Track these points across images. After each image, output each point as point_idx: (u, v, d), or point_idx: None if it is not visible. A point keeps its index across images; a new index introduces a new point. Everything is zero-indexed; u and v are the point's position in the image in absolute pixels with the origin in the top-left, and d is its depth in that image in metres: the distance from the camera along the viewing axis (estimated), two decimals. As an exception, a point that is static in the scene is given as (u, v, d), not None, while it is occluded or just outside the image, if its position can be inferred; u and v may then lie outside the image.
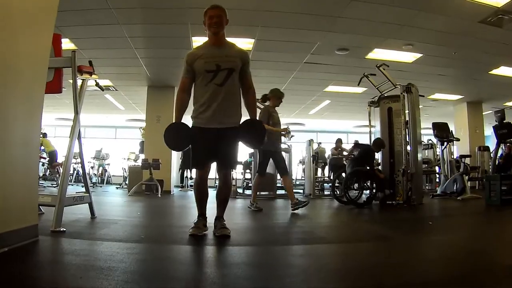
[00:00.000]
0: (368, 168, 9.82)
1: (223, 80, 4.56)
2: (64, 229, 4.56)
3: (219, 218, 4.73)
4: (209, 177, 4.81)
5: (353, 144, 14.59)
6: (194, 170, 4.93)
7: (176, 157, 16.83)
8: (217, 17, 4.68)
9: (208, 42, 4.82)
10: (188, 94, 4.78)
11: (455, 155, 14.43)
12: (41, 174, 16.12)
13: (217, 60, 4.57)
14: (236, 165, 5.14)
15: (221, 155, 4.65)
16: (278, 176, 10.42)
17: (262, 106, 8.25)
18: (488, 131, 19.04)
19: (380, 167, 10.12)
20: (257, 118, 5.08)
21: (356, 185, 10.08)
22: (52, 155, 14.28)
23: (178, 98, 4.78)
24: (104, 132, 26.13)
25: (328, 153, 17.85)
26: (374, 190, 9.43)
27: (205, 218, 4.75)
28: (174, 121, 4.74)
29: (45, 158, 14.68)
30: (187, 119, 4.75)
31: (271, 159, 8.10)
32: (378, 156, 10.55)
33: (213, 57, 4.59)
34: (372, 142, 10.68)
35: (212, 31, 4.67)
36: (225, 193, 4.86)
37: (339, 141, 15.94)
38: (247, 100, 4.90)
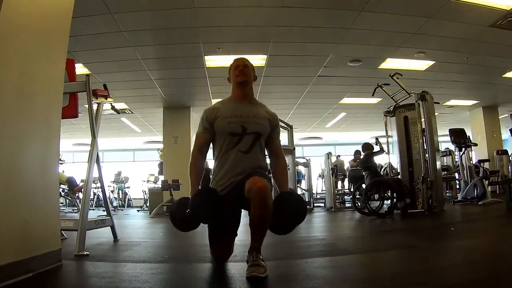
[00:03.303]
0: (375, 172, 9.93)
1: (249, 146, 3.82)
2: (88, 253, 4.58)
3: (254, 250, 3.41)
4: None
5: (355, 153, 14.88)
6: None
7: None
8: (244, 66, 3.98)
9: (231, 97, 4.08)
10: (204, 156, 4.03)
11: (474, 161, 14.33)
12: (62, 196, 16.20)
13: (244, 120, 3.83)
14: (270, 184, 3.57)
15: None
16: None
17: None
18: (505, 134, 18.88)
19: (399, 176, 10.08)
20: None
21: (376, 196, 10.05)
22: (70, 181, 14.33)
23: (193, 160, 3.95)
24: (122, 155, 26.29)
25: (347, 165, 17.82)
26: (394, 200, 9.39)
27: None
28: (194, 192, 3.80)
29: (64, 184, 14.74)
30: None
31: None
32: (396, 163, 10.54)
33: (238, 117, 3.84)
34: (362, 149, 11.19)
35: (239, 81, 3.94)
36: (261, 214, 3.37)
37: (357, 153, 15.89)
38: (277, 171, 4.05)
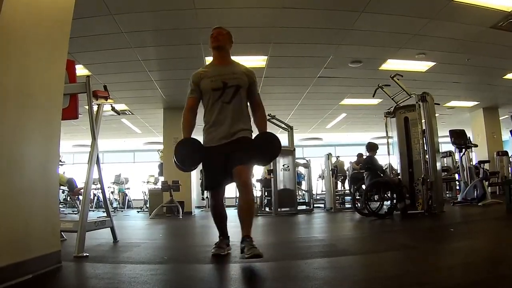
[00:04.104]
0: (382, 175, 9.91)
1: (231, 97, 4.37)
2: (87, 254, 4.58)
3: (246, 238, 3.91)
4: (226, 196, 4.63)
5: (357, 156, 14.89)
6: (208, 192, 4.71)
7: (195, 177, 16.82)
8: (218, 33, 4.55)
9: (213, 62, 4.67)
10: (195, 113, 4.59)
11: (474, 162, 14.32)
12: (61, 200, 16.18)
13: (224, 77, 4.40)
14: (253, 162, 4.49)
15: (235, 156, 4.21)
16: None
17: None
18: (506, 135, 18.93)
19: (399, 177, 10.07)
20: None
21: (376, 197, 10.05)
22: (70, 182, 14.31)
23: (184, 118, 4.56)
24: (122, 156, 26.31)
25: (347, 166, 17.83)
26: (394, 201, 9.39)
27: (227, 238, 4.65)
28: (181, 140, 4.47)
29: (64, 186, 14.71)
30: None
31: None
32: (396, 164, 10.53)
33: (219, 75, 4.41)
34: (367, 149, 11.11)
35: (214, 45, 4.54)
36: (247, 204, 4.17)
37: (360, 155, 15.87)
38: (256, 118, 4.68)
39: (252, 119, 4.66)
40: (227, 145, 4.31)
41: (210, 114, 4.43)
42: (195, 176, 16.50)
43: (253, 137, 4.53)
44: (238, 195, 4.35)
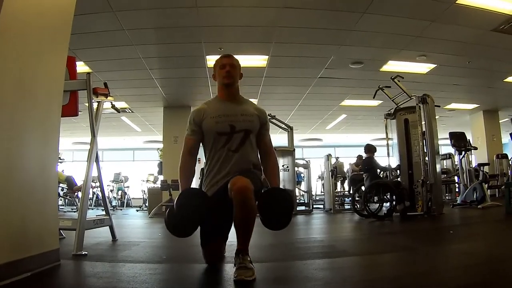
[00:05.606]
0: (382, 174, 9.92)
1: (238, 144, 3.78)
2: (86, 253, 4.57)
3: (240, 252, 3.33)
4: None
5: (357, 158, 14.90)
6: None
7: (195, 177, 16.77)
8: (230, 65, 3.89)
9: (218, 97, 4.06)
10: (195, 157, 3.98)
11: (474, 164, 14.31)
12: (61, 196, 16.17)
13: (231, 119, 3.78)
14: (256, 181, 3.63)
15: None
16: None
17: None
18: (506, 138, 18.93)
19: (399, 179, 10.06)
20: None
21: (375, 198, 10.05)
22: (69, 180, 14.29)
23: (182, 162, 3.92)
24: (122, 154, 26.32)
25: (346, 167, 17.83)
26: (394, 202, 9.38)
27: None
28: (183, 191, 3.74)
29: (63, 184, 14.70)
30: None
31: None
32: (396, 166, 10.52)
33: (226, 116, 3.80)
34: (365, 150, 11.13)
35: (225, 82, 3.89)
36: (242, 213, 3.34)
37: (359, 157, 15.85)
38: (267, 167, 3.98)
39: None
40: (225, 184, 3.62)
41: (213, 163, 3.86)
42: (195, 176, 16.44)
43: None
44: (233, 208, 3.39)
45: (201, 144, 4.02)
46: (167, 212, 3.76)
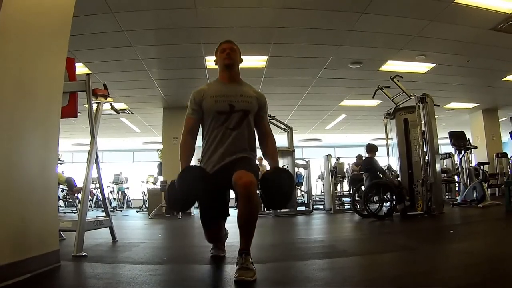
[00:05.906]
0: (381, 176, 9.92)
1: (236, 124, 3.83)
2: (86, 254, 4.57)
3: (242, 252, 3.37)
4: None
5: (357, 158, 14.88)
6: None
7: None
8: (230, 49, 4.00)
9: (219, 79, 4.12)
10: (195, 137, 3.99)
11: (473, 163, 14.31)
12: (60, 199, 16.16)
13: (231, 99, 3.85)
14: (257, 174, 3.68)
15: (235, 167, 3.62)
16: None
17: None
18: (505, 137, 18.95)
19: (399, 178, 10.05)
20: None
21: (376, 198, 10.05)
22: (69, 181, 14.28)
23: (182, 142, 3.94)
24: (121, 156, 26.32)
25: (346, 167, 17.81)
26: (394, 202, 9.37)
27: (222, 243, 4.47)
28: (184, 168, 3.79)
29: (63, 185, 14.69)
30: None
31: None
32: (395, 166, 10.52)
33: (225, 96, 3.88)
34: (366, 150, 11.23)
35: (226, 63, 3.97)
36: (247, 210, 3.38)
37: (359, 157, 15.85)
38: (266, 149, 4.08)
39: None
40: (222, 167, 3.78)
41: (210, 141, 3.89)
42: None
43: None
44: (238, 203, 3.48)
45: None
46: (167, 187, 3.79)
